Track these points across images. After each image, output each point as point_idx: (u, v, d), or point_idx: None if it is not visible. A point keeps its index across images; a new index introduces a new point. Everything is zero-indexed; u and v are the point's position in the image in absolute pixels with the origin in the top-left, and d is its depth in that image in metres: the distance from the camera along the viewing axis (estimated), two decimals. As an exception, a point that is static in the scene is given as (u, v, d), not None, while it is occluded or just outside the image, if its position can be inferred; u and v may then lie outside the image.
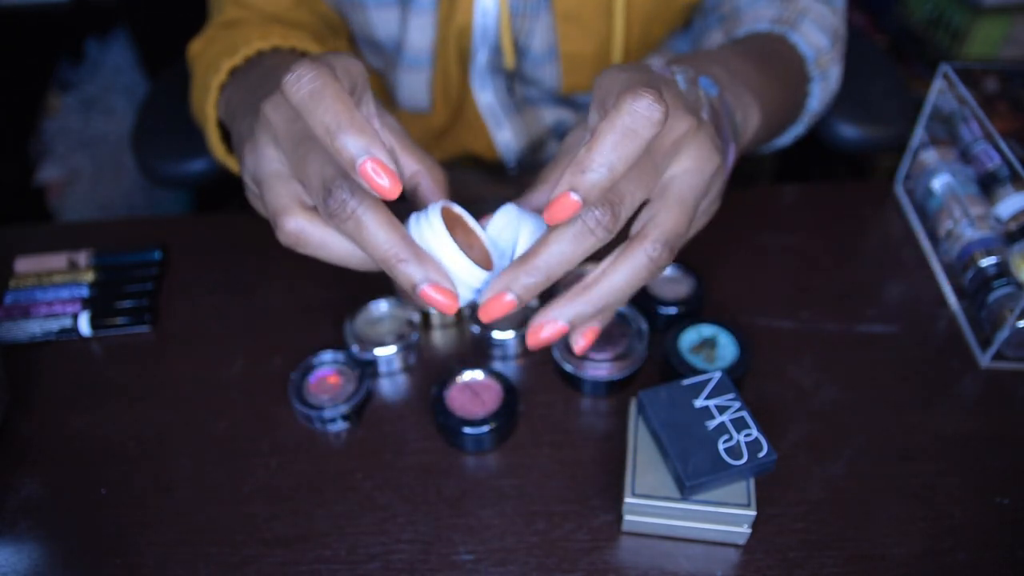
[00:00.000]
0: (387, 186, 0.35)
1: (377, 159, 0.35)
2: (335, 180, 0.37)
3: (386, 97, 0.76)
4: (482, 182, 0.81)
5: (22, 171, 1.55)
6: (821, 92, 0.64)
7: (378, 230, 0.37)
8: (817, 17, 0.63)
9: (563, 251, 0.37)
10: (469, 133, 0.74)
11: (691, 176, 0.40)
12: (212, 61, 0.61)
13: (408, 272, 0.38)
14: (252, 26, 0.64)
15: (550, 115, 0.75)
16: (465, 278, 0.40)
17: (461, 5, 0.64)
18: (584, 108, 0.75)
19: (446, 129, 0.74)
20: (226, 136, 0.60)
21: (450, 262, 0.40)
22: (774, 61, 0.58)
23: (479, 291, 0.41)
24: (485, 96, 0.72)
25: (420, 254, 0.38)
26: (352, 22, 0.69)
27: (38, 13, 1.63)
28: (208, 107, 0.58)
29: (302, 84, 0.35)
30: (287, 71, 0.35)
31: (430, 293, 0.38)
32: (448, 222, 0.41)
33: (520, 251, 0.42)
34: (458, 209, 0.42)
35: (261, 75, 0.53)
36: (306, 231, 0.39)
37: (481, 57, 0.69)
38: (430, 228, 0.40)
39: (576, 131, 0.47)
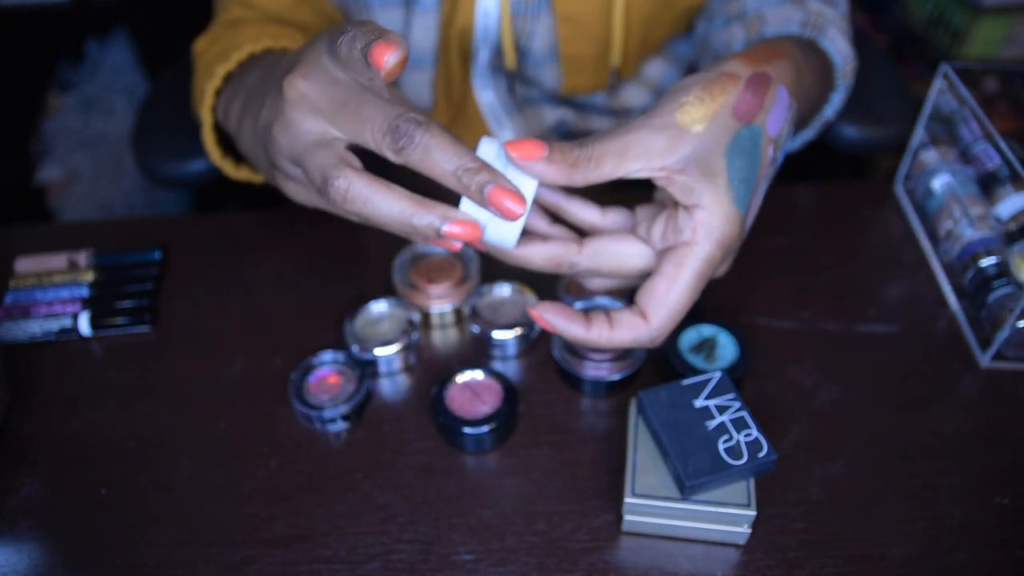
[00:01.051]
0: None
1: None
2: (399, 116, 0.38)
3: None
4: None
5: (22, 171, 1.55)
6: (839, 102, 0.63)
7: (447, 148, 0.38)
8: (836, 23, 0.61)
9: None
10: (470, 132, 0.74)
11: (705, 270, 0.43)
12: (208, 65, 0.61)
13: (480, 180, 0.39)
14: (251, 26, 0.64)
15: (551, 115, 0.75)
16: (515, 229, 0.42)
17: (463, 6, 0.65)
18: (584, 108, 0.75)
19: (447, 128, 0.74)
20: (223, 141, 0.61)
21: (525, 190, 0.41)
22: (812, 77, 0.56)
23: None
24: (486, 95, 0.72)
25: (486, 164, 0.39)
26: None
27: (38, 13, 1.63)
28: (204, 111, 0.59)
29: (415, 142, 0.38)
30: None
31: (500, 198, 0.39)
32: None
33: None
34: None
35: (258, 76, 0.53)
36: (355, 186, 0.40)
37: (482, 57, 0.69)
38: (519, 174, 0.41)
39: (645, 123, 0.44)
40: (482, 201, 0.39)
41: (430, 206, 0.40)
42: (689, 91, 0.43)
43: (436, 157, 0.38)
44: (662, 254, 0.44)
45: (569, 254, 0.45)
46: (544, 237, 0.46)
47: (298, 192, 0.47)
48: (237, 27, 0.65)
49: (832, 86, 0.61)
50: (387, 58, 0.37)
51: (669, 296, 0.42)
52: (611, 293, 0.57)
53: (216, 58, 0.61)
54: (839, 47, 0.59)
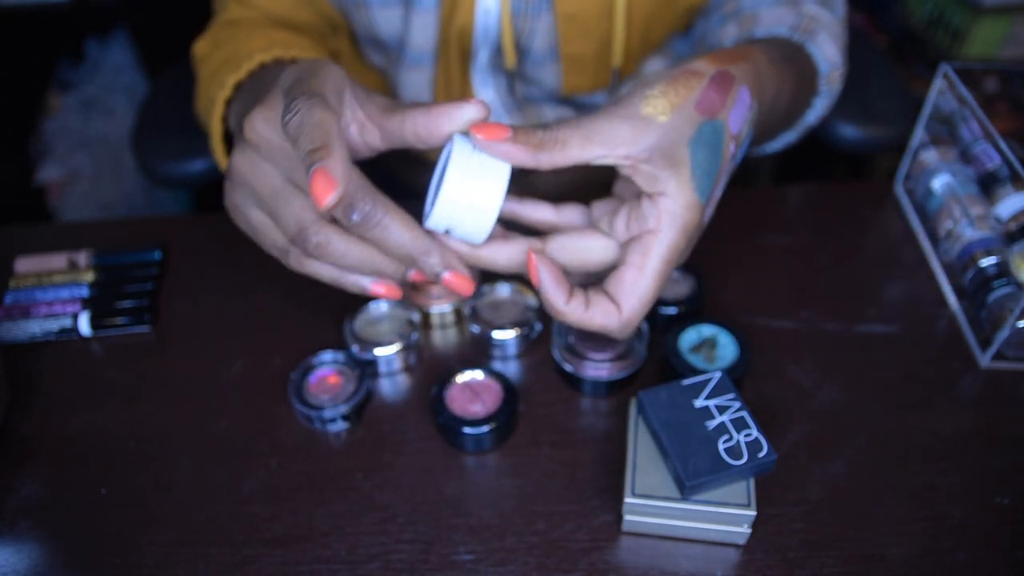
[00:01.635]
0: (329, 203, 0.38)
1: (323, 173, 0.37)
2: (354, 193, 0.39)
3: (389, 95, 0.76)
4: None
5: (22, 171, 1.55)
6: (823, 108, 0.63)
7: (402, 232, 0.41)
8: (829, 28, 0.61)
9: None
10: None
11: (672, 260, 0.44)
12: (216, 72, 0.61)
13: (432, 263, 0.42)
14: (255, 30, 0.64)
15: (551, 113, 0.75)
16: (483, 223, 0.43)
17: (463, 5, 0.64)
18: (585, 107, 0.75)
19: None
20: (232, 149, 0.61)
21: (491, 201, 0.42)
22: (791, 80, 0.57)
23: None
24: (486, 94, 0.72)
25: (438, 247, 0.42)
26: (355, 21, 0.69)
27: (38, 13, 1.63)
28: (214, 121, 0.59)
29: (292, 118, 0.39)
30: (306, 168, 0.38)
31: (451, 280, 0.43)
32: None
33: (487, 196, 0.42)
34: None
35: (266, 88, 0.53)
36: (333, 241, 0.42)
37: (482, 56, 0.69)
38: (491, 164, 0.42)
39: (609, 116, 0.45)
40: (436, 281, 0.43)
41: (418, 261, 0.42)
42: (654, 85, 0.43)
43: (393, 238, 0.41)
44: (627, 244, 0.44)
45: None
46: (505, 238, 0.46)
47: (243, 224, 0.47)
48: (239, 28, 0.65)
49: (816, 91, 0.61)
50: (327, 200, 0.37)
51: (638, 285, 0.43)
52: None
53: (224, 65, 0.61)
54: (827, 54, 0.60)
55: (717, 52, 0.47)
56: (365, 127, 0.44)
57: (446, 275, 0.43)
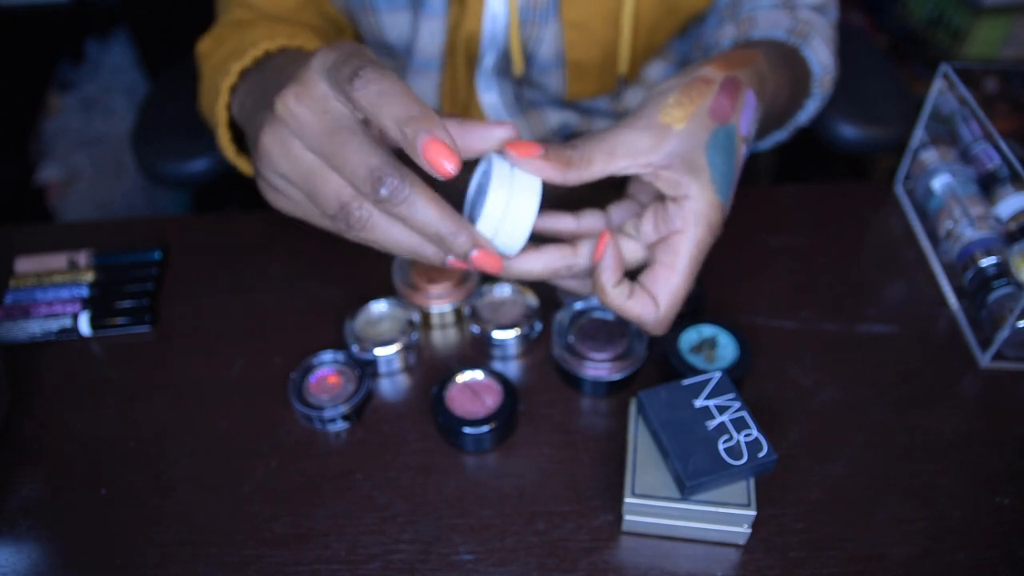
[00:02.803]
0: (450, 170, 0.38)
1: (440, 142, 0.37)
2: (383, 168, 0.39)
3: None
4: None
5: (22, 171, 1.54)
6: (814, 109, 0.65)
7: (429, 209, 0.40)
8: (822, 32, 0.63)
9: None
10: None
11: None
12: (221, 63, 0.61)
13: (460, 243, 0.41)
14: (260, 26, 0.64)
15: (555, 117, 0.75)
16: (521, 233, 0.44)
17: (471, 11, 0.65)
18: (588, 112, 0.75)
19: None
20: (237, 137, 0.60)
21: (528, 214, 0.44)
22: (792, 77, 0.59)
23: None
24: (490, 97, 0.72)
25: (466, 225, 0.41)
26: (363, 26, 0.69)
27: (38, 13, 1.63)
28: (219, 108, 0.58)
29: (369, 85, 0.38)
30: (352, 76, 0.38)
31: (480, 259, 0.43)
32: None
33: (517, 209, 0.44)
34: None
35: (272, 74, 0.53)
36: (375, 216, 0.41)
37: (488, 61, 0.69)
38: (526, 180, 0.44)
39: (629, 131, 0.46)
40: (468, 264, 0.43)
41: (446, 240, 0.41)
42: (668, 95, 0.46)
43: (420, 216, 0.40)
44: (655, 246, 0.46)
45: (566, 257, 0.47)
46: (536, 248, 0.47)
47: (283, 203, 0.47)
48: (245, 27, 0.65)
49: (808, 93, 0.63)
50: (450, 167, 0.37)
51: (671, 283, 0.45)
52: None
53: (230, 55, 0.60)
54: (820, 57, 0.62)
55: (723, 57, 0.49)
56: None
57: (475, 254, 0.42)
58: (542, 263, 0.46)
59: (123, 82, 1.64)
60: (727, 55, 0.50)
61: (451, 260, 0.43)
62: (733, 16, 0.66)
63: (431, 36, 0.67)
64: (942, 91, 0.62)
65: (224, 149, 0.60)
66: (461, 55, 0.68)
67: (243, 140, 0.61)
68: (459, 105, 0.73)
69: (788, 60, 0.59)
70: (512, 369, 0.55)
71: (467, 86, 0.71)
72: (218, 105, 0.58)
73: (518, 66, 0.67)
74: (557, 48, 0.67)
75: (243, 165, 0.61)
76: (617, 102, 0.75)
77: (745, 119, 0.47)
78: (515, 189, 0.43)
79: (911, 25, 1.40)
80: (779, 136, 0.66)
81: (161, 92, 0.87)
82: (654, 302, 0.45)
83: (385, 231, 0.41)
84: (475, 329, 0.55)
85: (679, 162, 0.44)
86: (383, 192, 0.39)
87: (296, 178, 0.42)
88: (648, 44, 0.70)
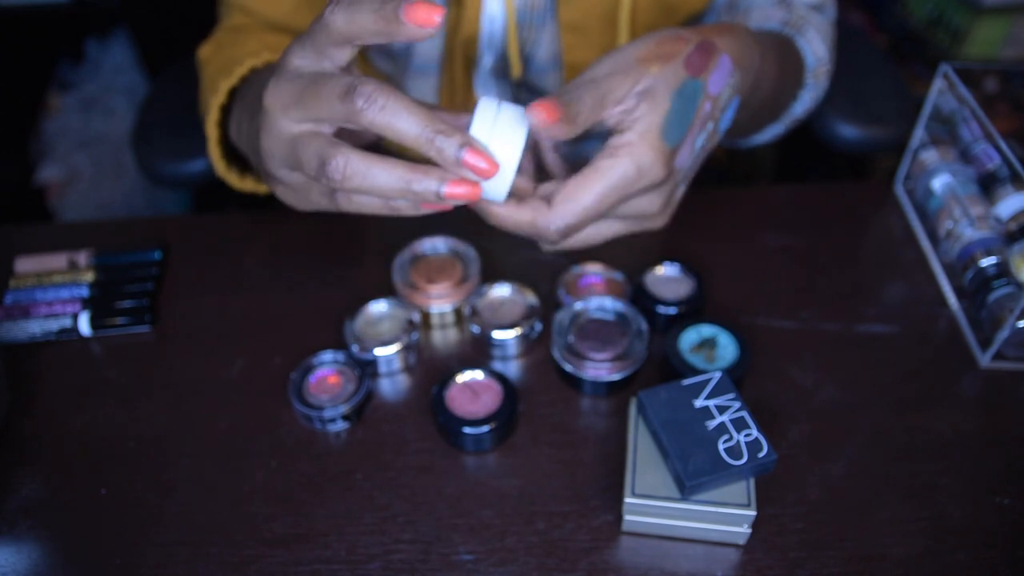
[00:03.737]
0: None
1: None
2: (355, 80, 0.38)
3: None
4: None
5: (22, 171, 1.54)
6: (809, 100, 0.65)
7: (409, 111, 0.38)
8: (818, 27, 0.64)
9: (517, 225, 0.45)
10: None
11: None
12: (211, 79, 0.63)
13: (448, 142, 0.39)
14: (252, 36, 0.65)
15: None
16: (508, 177, 0.42)
17: (468, 14, 0.65)
18: None
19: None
20: (228, 153, 0.62)
21: (510, 157, 0.41)
22: (781, 58, 0.59)
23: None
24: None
25: (452, 125, 0.40)
26: None
27: (38, 13, 1.63)
28: (209, 126, 0.60)
29: (374, 105, 0.38)
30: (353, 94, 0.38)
31: (470, 159, 0.39)
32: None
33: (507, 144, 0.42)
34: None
35: (258, 90, 0.53)
36: (352, 162, 0.40)
37: (486, 63, 0.69)
38: (510, 118, 0.42)
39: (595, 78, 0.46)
40: (456, 164, 0.39)
41: (427, 170, 0.40)
42: (647, 43, 0.46)
43: (401, 119, 0.38)
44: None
45: (540, 212, 0.45)
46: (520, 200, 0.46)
47: (296, 199, 0.47)
48: (240, 34, 0.66)
49: (802, 84, 0.63)
50: (437, 16, 0.37)
51: (576, 192, 0.44)
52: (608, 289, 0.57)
53: (219, 71, 0.62)
54: (814, 48, 0.62)
55: (702, 25, 0.49)
56: None
57: (465, 155, 0.39)
58: (515, 220, 0.45)
59: (123, 82, 1.64)
60: (708, 24, 0.49)
61: (447, 188, 0.40)
62: (730, 11, 0.68)
63: (429, 40, 0.67)
64: (942, 91, 0.62)
65: (215, 164, 0.62)
66: (459, 57, 0.68)
67: (234, 154, 0.63)
68: (457, 107, 0.73)
69: (780, 47, 0.59)
70: (512, 369, 0.55)
71: (465, 88, 0.71)
72: (209, 123, 0.60)
73: (516, 68, 0.67)
74: (554, 50, 0.67)
75: (233, 180, 0.62)
76: None
77: (716, 79, 0.47)
78: (500, 132, 0.41)
79: (911, 25, 1.40)
80: (776, 129, 0.66)
81: (161, 92, 0.87)
82: (547, 205, 0.44)
83: (366, 174, 0.40)
84: (475, 329, 0.55)
85: (643, 99, 0.44)
86: (359, 103, 0.38)
87: (286, 154, 0.42)
88: None
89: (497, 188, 0.42)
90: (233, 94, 0.60)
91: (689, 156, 0.47)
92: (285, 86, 0.41)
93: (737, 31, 0.50)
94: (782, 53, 0.59)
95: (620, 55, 0.45)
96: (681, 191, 0.49)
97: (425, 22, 0.37)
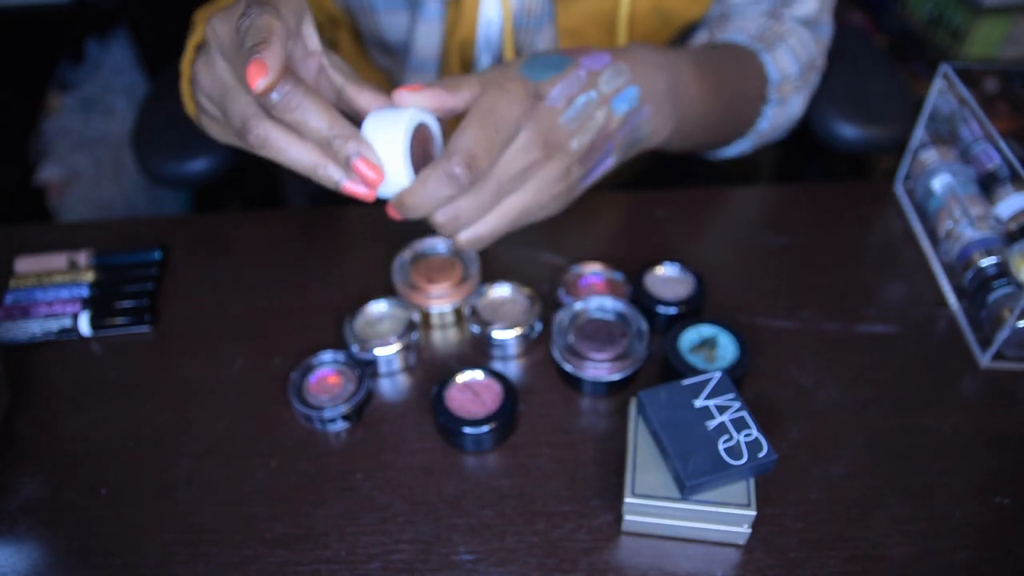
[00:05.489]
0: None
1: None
2: (280, 80, 0.42)
3: None
4: None
5: (22, 171, 1.54)
6: (775, 116, 0.66)
7: (320, 115, 0.42)
8: (796, 44, 0.65)
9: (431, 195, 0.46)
10: None
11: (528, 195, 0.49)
12: (196, 20, 0.63)
13: (347, 148, 0.43)
14: None
15: None
16: (397, 177, 0.45)
17: (465, 16, 0.65)
18: None
19: (447, 129, 0.75)
20: None
21: (391, 157, 0.44)
22: (731, 79, 0.61)
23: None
24: None
25: (356, 134, 0.43)
26: (362, 24, 0.70)
27: (38, 13, 1.63)
28: (184, 64, 0.61)
29: (265, 144, 0.44)
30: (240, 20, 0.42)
31: (360, 166, 0.43)
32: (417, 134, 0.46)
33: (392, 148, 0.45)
34: (429, 123, 0.48)
35: None
36: (272, 135, 0.44)
37: (483, 64, 0.69)
38: (395, 122, 0.45)
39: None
40: (350, 168, 0.44)
41: (333, 144, 0.43)
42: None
43: (312, 120, 0.42)
44: None
45: (436, 169, 0.46)
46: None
47: (219, 132, 0.50)
48: None
49: (765, 99, 0.65)
50: (258, 83, 0.40)
51: (456, 138, 0.45)
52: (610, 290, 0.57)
53: (204, 10, 0.63)
54: (781, 65, 0.64)
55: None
56: (323, 72, 0.48)
57: (355, 160, 0.43)
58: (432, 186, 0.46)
59: (123, 82, 1.64)
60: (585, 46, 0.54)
61: (344, 185, 0.44)
62: (720, 23, 0.69)
63: (427, 38, 0.68)
64: (942, 91, 0.62)
65: (185, 105, 0.63)
66: (456, 58, 0.68)
67: None
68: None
69: (732, 60, 0.61)
70: (512, 369, 0.55)
71: None
72: (185, 61, 0.61)
73: None
74: None
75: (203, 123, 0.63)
76: None
77: (589, 61, 0.50)
78: (386, 123, 0.44)
79: (911, 25, 1.40)
80: (743, 144, 0.68)
81: (161, 92, 0.87)
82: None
83: (283, 149, 0.44)
84: (475, 329, 0.55)
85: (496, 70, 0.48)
86: (275, 97, 0.41)
87: (216, 96, 0.46)
88: None
89: (391, 188, 0.46)
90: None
91: (573, 116, 0.49)
92: (228, 29, 0.43)
93: (631, 48, 0.54)
94: (735, 67, 0.61)
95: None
96: (579, 174, 0.50)
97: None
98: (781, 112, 0.67)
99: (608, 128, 0.51)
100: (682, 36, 0.73)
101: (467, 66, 0.69)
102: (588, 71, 0.50)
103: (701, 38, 0.67)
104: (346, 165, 0.44)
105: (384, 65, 0.75)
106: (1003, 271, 0.54)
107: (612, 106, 0.50)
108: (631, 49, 0.53)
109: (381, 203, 0.46)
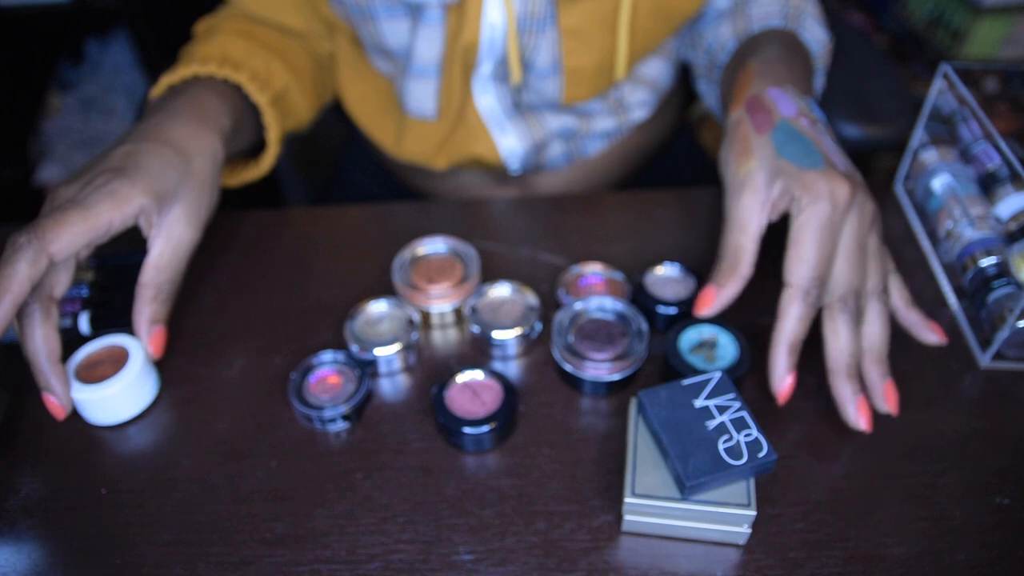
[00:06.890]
0: (56, 414, 0.50)
1: (46, 396, 0.49)
2: (32, 295, 0.48)
3: (395, 101, 0.76)
4: (485, 184, 0.81)
5: (22, 171, 1.54)
6: (818, 86, 0.67)
7: (39, 341, 0.49)
8: (812, 10, 0.67)
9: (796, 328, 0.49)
10: (471, 137, 0.74)
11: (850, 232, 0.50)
12: (173, 67, 0.64)
13: (39, 380, 0.49)
14: (216, 36, 0.67)
15: (554, 121, 0.75)
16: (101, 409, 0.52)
17: (469, 21, 0.65)
18: (586, 115, 0.75)
19: (449, 135, 0.75)
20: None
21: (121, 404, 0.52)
22: (801, 62, 0.62)
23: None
24: (486, 101, 0.72)
25: (54, 371, 0.49)
26: (362, 31, 0.70)
27: (38, 13, 1.63)
28: (153, 95, 0.63)
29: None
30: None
31: (46, 400, 0.49)
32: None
33: None
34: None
35: (173, 104, 0.59)
36: (27, 322, 0.49)
37: (485, 68, 0.69)
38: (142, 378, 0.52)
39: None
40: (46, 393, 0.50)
41: (56, 374, 0.49)
42: (728, 161, 0.53)
43: (32, 338, 0.49)
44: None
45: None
46: None
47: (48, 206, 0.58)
48: (212, 32, 0.69)
49: (812, 69, 0.66)
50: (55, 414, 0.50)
51: (791, 258, 0.49)
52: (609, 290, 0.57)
53: (177, 64, 0.64)
54: (815, 35, 0.66)
55: (731, 96, 0.57)
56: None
57: (45, 393, 0.49)
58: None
59: (123, 82, 1.64)
60: (734, 92, 0.57)
61: (45, 396, 0.50)
62: (730, 12, 0.69)
63: (429, 44, 0.68)
64: (942, 91, 0.62)
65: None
66: (458, 62, 0.68)
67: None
68: (454, 109, 0.73)
69: (791, 48, 0.62)
70: (512, 369, 0.55)
71: (462, 90, 0.71)
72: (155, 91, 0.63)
73: (516, 74, 0.68)
74: (554, 55, 0.67)
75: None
76: (611, 98, 0.76)
77: (784, 107, 0.52)
78: (131, 381, 0.51)
79: (911, 25, 1.40)
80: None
81: (161, 92, 0.87)
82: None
83: (27, 336, 0.49)
84: (475, 329, 0.55)
85: (774, 180, 0.50)
86: (24, 308, 0.49)
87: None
88: (644, 48, 0.71)
89: (99, 417, 0.51)
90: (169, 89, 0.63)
91: (838, 153, 0.51)
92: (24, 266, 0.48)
93: (751, 72, 0.57)
94: (797, 54, 0.62)
95: (726, 187, 0.52)
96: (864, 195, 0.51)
97: (51, 410, 0.50)
98: (822, 81, 0.69)
99: (830, 134, 0.54)
100: (682, 28, 0.74)
101: (468, 70, 0.69)
102: (802, 114, 0.52)
103: (727, 33, 0.67)
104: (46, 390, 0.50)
105: (386, 71, 0.75)
106: (1003, 271, 0.54)
107: (823, 120, 0.55)
108: (757, 78, 0.56)
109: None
